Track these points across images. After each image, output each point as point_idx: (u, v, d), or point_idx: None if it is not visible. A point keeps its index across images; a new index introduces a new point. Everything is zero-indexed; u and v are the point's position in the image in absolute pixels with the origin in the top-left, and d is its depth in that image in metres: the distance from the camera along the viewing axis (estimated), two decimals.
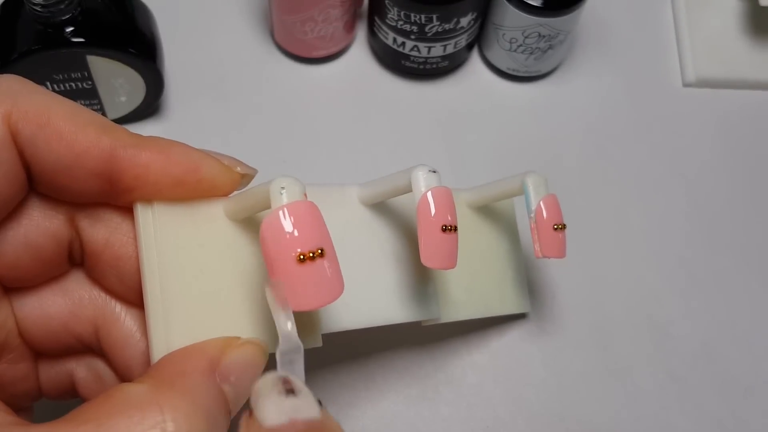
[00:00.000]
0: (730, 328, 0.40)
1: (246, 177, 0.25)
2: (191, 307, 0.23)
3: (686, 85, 0.46)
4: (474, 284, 0.33)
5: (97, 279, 0.25)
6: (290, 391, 0.19)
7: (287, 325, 0.21)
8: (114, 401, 0.20)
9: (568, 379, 0.38)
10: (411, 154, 0.42)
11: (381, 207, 0.30)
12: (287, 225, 0.21)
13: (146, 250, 0.23)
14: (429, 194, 0.25)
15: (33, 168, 0.22)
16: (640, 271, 0.41)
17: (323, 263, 0.21)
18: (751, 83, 0.46)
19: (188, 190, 0.23)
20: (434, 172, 0.26)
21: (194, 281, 0.24)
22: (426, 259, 0.25)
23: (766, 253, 0.42)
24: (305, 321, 0.26)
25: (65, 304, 0.25)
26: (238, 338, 0.23)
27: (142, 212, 0.23)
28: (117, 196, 0.23)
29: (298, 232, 0.21)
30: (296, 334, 0.21)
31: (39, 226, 0.24)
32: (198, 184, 0.23)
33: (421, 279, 0.30)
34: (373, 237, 0.29)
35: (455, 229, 0.26)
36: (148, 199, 0.23)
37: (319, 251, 0.21)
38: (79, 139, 0.22)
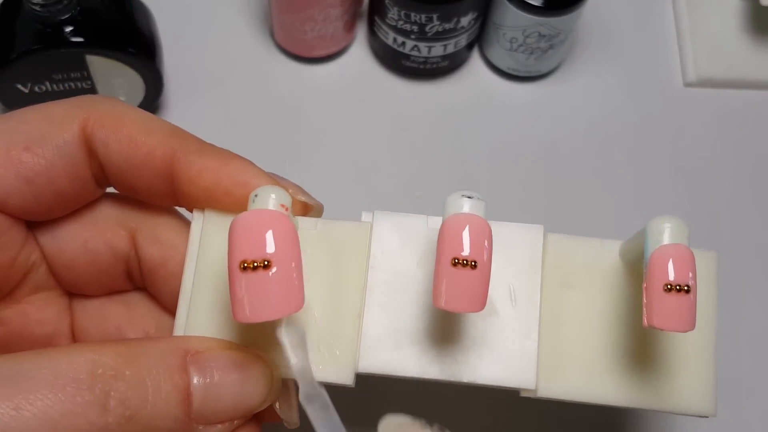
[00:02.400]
0: (730, 328, 0.40)
1: (309, 208, 0.26)
2: (218, 313, 0.24)
3: (687, 84, 0.46)
4: (603, 362, 0.25)
5: (155, 296, 0.27)
6: None
7: (310, 370, 0.21)
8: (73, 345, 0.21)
9: None
10: (411, 155, 0.42)
11: None
12: (241, 230, 0.21)
13: (190, 252, 0.25)
14: (448, 222, 0.22)
15: (106, 168, 0.24)
16: None
17: (265, 275, 0.20)
18: (752, 83, 0.46)
19: (237, 203, 0.24)
20: (470, 197, 0.22)
21: (226, 287, 0.24)
22: (435, 298, 0.22)
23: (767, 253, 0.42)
24: (338, 351, 0.24)
25: (124, 312, 0.28)
26: (237, 345, 0.23)
27: (195, 218, 0.25)
28: (180, 199, 0.25)
29: (248, 239, 0.20)
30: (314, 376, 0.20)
31: (100, 234, 0.26)
32: (247, 199, 0.24)
33: (521, 337, 0.25)
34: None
35: (474, 265, 0.22)
36: (204, 206, 0.25)
37: (264, 263, 0.20)
38: (147, 141, 0.24)
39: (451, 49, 0.41)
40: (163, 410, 0.20)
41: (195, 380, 0.21)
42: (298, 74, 0.43)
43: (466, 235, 0.22)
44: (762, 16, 0.46)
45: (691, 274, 0.22)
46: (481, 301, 0.22)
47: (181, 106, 0.42)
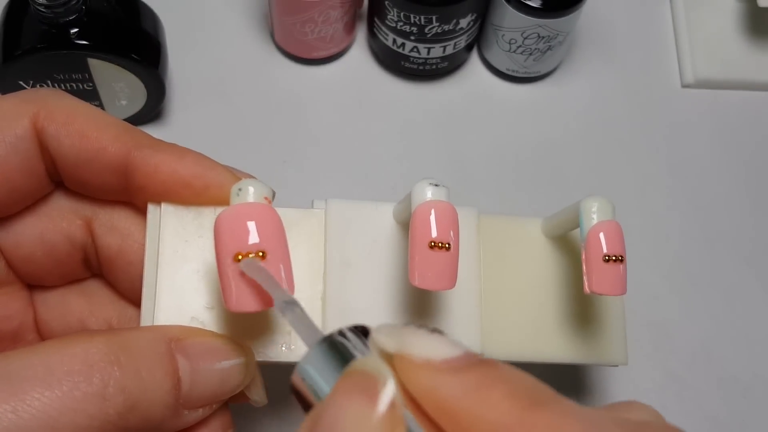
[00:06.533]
0: (729, 328, 0.40)
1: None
2: (183, 299, 0.25)
3: (685, 85, 0.46)
4: (534, 324, 0.29)
5: (113, 284, 0.27)
6: (440, 332, 0.18)
7: (281, 286, 0.21)
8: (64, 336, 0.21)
9: (570, 380, 0.38)
10: (411, 155, 0.42)
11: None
12: (230, 224, 0.21)
13: (150, 244, 0.25)
14: (422, 208, 0.24)
15: (58, 163, 0.24)
16: (640, 271, 0.41)
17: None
18: (749, 84, 0.46)
19: (196, 194, 0.25)
20: (436, 185, 0.24)
21: (190, 276, 0.25)
22: (411, 277, 0.23)
23: (765, 253, 0.42)
24: None
25: (85, 302, 0.27)
26: (214, 332, 0.24)
27: (151, 210, 0.25)
28: (133, 194, 0.25)
29: (240, 232, 0.21)
30: (287, 292, 0.21)
31: (56, 225, 0.26)
32: (206, 189, 0.25)
33: (467, 306, 0.27)
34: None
35: (447, 247, 0.23)
36: (159, 200, 0.25)
37: (260, 254, 0.21)
38: (99, 136, 0.24)
39: (450, 50, 0.42)
40: (158, 397, 0.21)
41: (182, 367, 0.21)
42: (298, 75, 0.44)
43: (440, 220, 0.23)
44: (759, 18, 0.46)
45: (622, 245, 0.26)
46: (453, 279, 0.24)
47: (183, 109, 0.42)
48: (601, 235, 0.25)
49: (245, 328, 0.25)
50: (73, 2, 0.34)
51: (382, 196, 0.41)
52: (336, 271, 0.26)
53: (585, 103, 0.45)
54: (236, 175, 0.25)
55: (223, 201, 0.25)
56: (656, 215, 0.42)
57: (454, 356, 0.17)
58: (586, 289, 0.26)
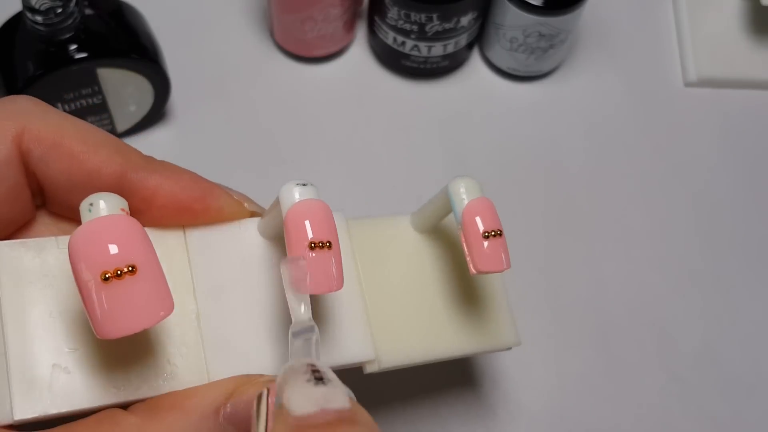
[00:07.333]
0: (731, 329, 0.40)
1: (255, 214, 0.26)
2: (38, 348, 0.22)
3: (688, 84, 0.46)
4: (424, 322, 0.28)
5: None
6: (319, 379, 0.18)
7: (300, 307, 0.21)
8: (101, 427, 0.20)
9: (570, 381, 0.38)
10: (411, 154, 0.42)
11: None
12: (88, 241, 0.19)
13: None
14: (294, 209, 0.23)
15: (46, 187, 0.23)
16: (642, 272, 0.40)
17: (132, 281, 0.19)
18: (752, 83, 0.46)
19: (194, 217, 0.24)
20: (303, 185, 0.23)
21: (42, 321, 0.23)
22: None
23: None
24: (183, 362, 0.24)
25: None
26: (260, 376, 0.23)
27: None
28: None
29: (101, 248, 0.19)
30: (309, 315, 0.21)
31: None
32: (205, 212, 0.24)
33: (351, 316, 0.26)
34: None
35: (329, 245, 0.23)
36: (153, 224, 0.24)
37: (129, 268, 0.19)
38: (90, 158, 0.22)
39: (451, 48, 0.41)
40: None
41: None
42: (298, 74, 0.43)
43: (313, 219, 0.22)
44: (762, 16, 0.46)
45: (498, 220, 0.26)
46: (341, 278, 0.23)
47: (185, 110, 0.41)
48: (476, 214, 0.25)
49: (120, 361, 0.22)
50: (71, 21, 0.33)
51: (382, 195, 0.41)
52: (208, 296, 0.24)
53: (587, 102, 0.44)
54: (233, 196, 0.25)
55: (223, 221, 0.25)
56: (658, 214, 0.42)
57: (305, 414, 0.17)
58: (472, 269, 0.25)
